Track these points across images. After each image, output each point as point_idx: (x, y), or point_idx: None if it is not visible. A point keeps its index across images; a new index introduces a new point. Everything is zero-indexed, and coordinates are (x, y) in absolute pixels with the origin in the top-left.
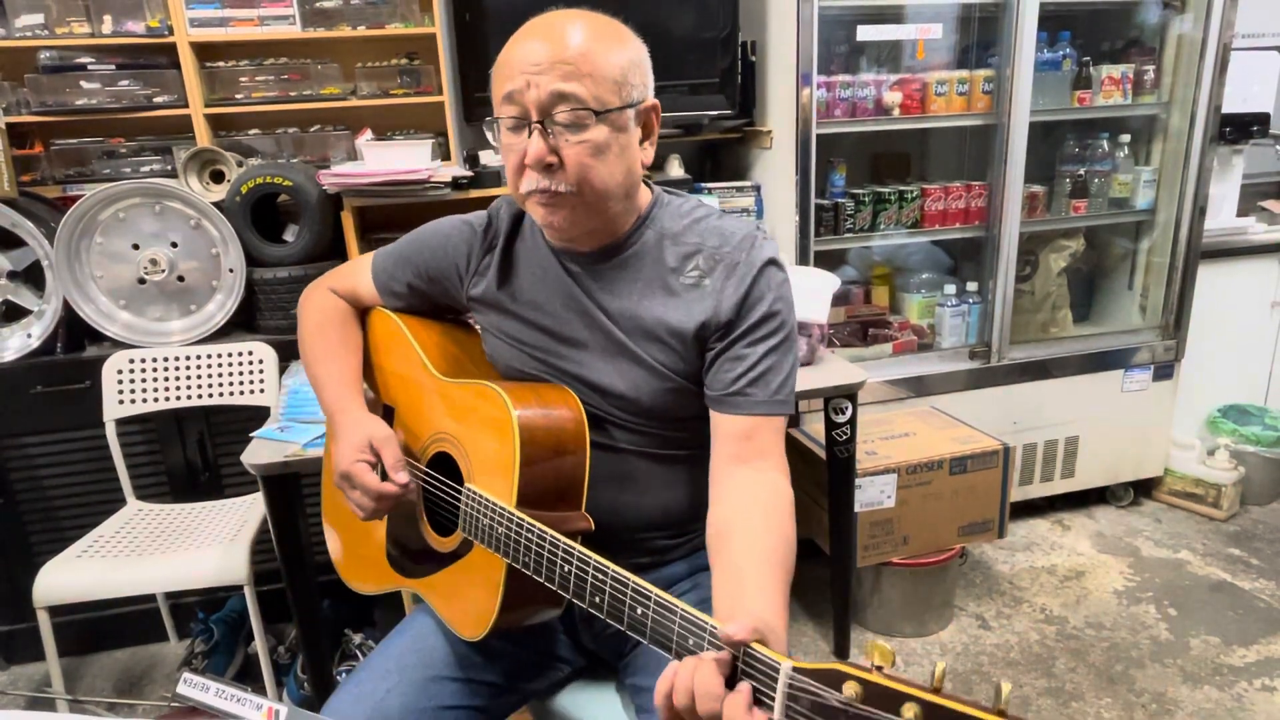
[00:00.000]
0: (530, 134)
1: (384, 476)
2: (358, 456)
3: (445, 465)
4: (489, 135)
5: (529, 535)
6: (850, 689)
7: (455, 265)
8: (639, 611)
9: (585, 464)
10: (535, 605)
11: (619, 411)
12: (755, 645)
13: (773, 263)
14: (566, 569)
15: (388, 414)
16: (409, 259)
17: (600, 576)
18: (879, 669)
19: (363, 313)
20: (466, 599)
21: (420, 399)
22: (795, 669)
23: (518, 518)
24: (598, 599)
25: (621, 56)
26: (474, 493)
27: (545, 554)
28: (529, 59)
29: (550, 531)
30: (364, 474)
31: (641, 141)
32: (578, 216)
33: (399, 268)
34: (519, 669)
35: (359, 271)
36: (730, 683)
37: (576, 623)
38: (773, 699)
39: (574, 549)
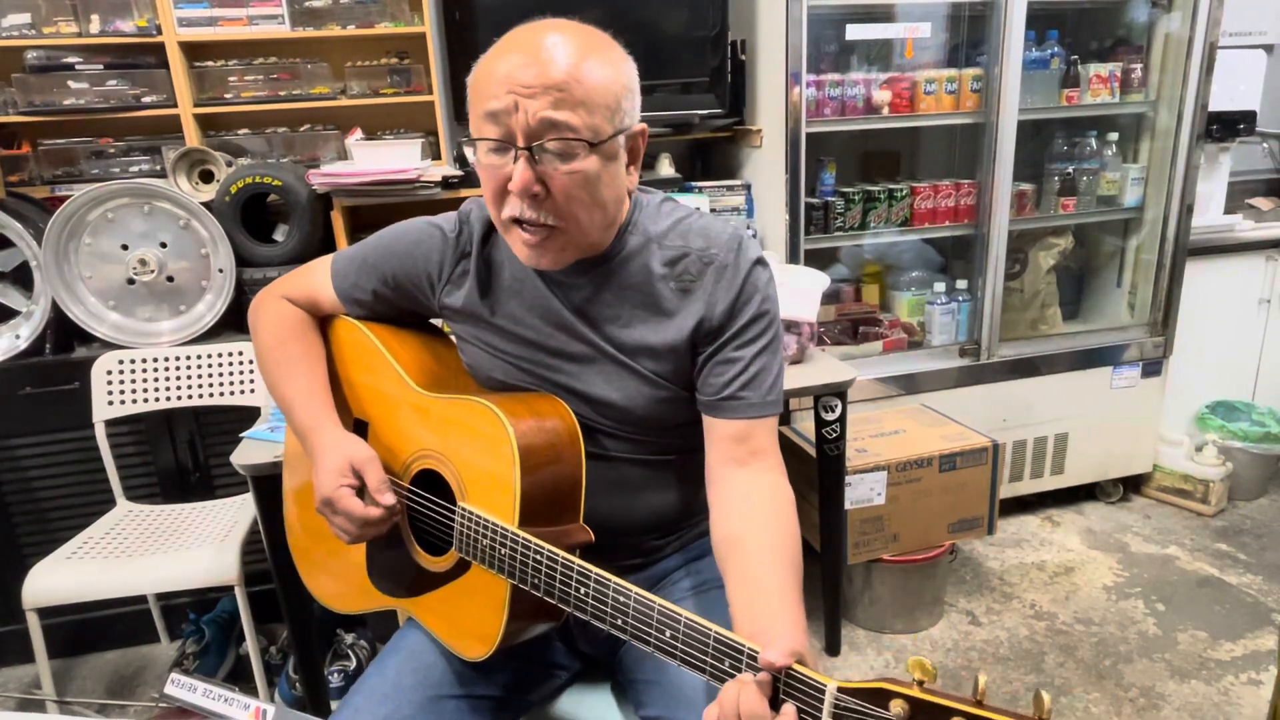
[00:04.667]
0: (516, 159)
1: (367, 498)
2: (339, 481)
3: (431, 483)
4: (467, 153)
5: (537, 557)
6: (898, 706)
7: (426, 273)
8: (667, 634)
9: (582, 474)
10: (539, 621)
11: (611, 421)
12: (797, 666)
13: (760, 263)
14: (582, 591)
15: (359, 429)
16: (374, 265)
17: (621, 600)
18: (920, 684)
19: (322, 320)
20: (467, 619)
21: (398, 414)
22: (840, 689)
23: (522, 539)
24: (620, 621)
25: (615, 82)
26: (470, 512)
27: (558, 576)
28: (516, 78)
29: (562, 554)
30: (347, 499)
31: (628, 166)
32: (565, 256)
33: (363, 274)
34: (518, 681)
35: (316, 277)
36: (774, 704)
37: (572, 628)
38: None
39: (590, 571)
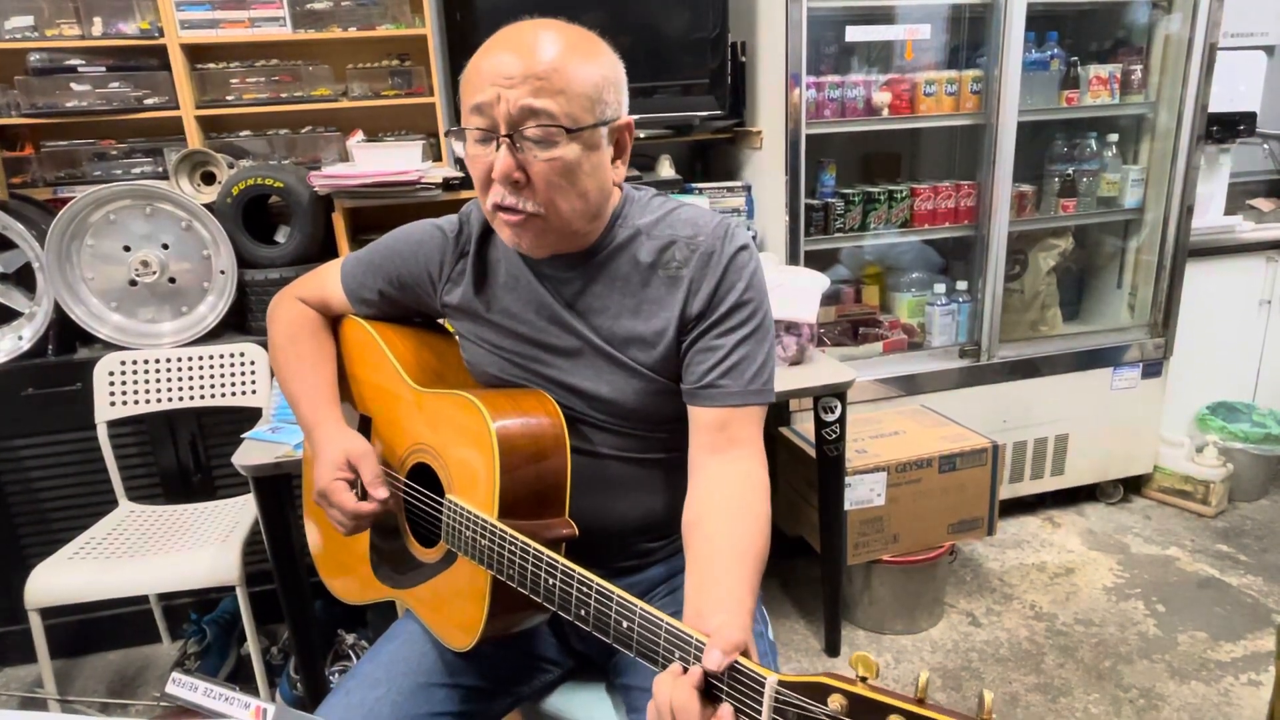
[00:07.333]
0: (498, 147)
1: (363, 492)
2: (335, 475)
3: (425, 476)
4: (456, 146)
5: (512, 548)
6: (835, 701)
7: (428, 272)
8: (624, 625)
9: (566, 469)
10: (522, 614)
11: (601, 415)
12: (741, 660)
13: (744, 249)
14: (550, 582)
15: (365, 424)
16: (380, 266)
17: (585, 590)
18: (864, 680)
19: (334, 320)
20: (453, 610)
21: (397, 410)
22: (781, 682)
23: (500, 530)
24: (583, 612)
25: (595, 73)
26: (455, 504)
27: (529, 567)
28: (500, 70)
29: (533, 544)
30: (340, 493)
31: (614, 160)
32: (545, 240)
33: (370, 275)
34: (509, 672)
35: (328, 279)
36: (709, 692)
37: (565, 625)
38: (759, 712)
39: (558, 562)
